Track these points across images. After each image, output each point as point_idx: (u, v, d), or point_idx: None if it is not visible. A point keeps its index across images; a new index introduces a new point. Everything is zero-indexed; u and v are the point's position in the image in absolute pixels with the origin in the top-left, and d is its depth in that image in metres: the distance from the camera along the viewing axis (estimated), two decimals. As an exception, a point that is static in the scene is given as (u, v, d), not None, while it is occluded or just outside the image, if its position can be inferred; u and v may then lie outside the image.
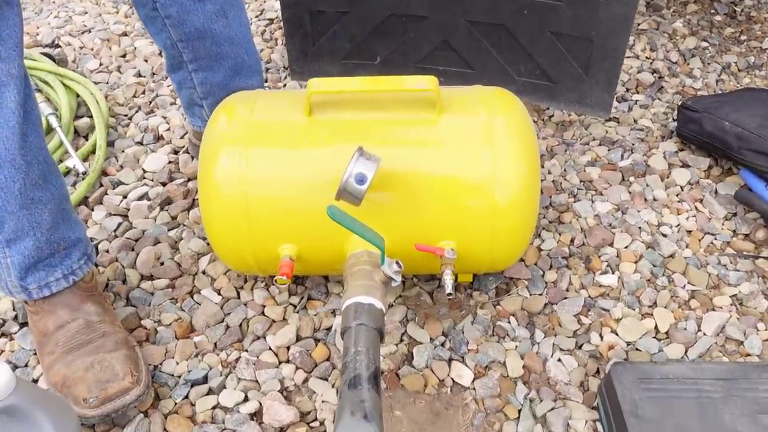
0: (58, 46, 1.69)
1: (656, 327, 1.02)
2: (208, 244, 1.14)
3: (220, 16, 1.10)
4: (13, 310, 1.04)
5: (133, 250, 1.15)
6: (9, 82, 0.83)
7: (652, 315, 1.03)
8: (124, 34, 1.75)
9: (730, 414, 0.81)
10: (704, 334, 1.00)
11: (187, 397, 0.94)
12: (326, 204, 0.84)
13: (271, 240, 0.93)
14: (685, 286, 1.08)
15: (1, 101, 0.83)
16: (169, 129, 1.42)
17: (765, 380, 0.84)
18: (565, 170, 1.30)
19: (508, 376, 0.96)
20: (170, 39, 1.11)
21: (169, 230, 1.19)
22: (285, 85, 1.55)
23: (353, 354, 0.76)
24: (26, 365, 0.98)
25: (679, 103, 1.35)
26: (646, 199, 1.24)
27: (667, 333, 1.01)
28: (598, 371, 0.96)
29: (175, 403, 0.93)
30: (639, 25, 1.75)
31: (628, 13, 1.21)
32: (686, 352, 0.98)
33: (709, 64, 1.62)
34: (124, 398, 0.87)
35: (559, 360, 0.97)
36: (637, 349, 0.98)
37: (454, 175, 0.90)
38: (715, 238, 1.16)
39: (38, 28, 1.78)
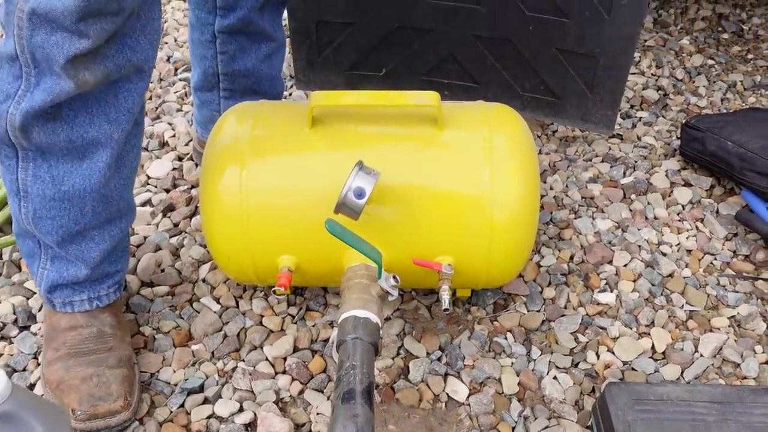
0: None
1: (653, 347, 1.01)
2: (209, 252, 1.15)
3: (267, 58, 1.12)
4: (14, 313, 1.05)
5: (134, 256, 1.16)
6: (107, 145, 0.83)
7: (649, 335, 1.03)
8: (133, 39, 1.76)
9: (724, 438, 0.81)
10: (701, 356, 1.00)
11: (182, 405, 0.94)
12: (325, 217, 0.84)
13: (270, 251, 0.94)
14: (683, 306, 1.08)
15: (91, 159, 0.83)
16: (174, 135, 1.43)
17: (760, 404, 0.84)
18: (567, 186, 1.30)
19: (503, 393, 0.96)
20: (214, 68, 1.11)
21: (170, 237, 1.19)
22: (291, 94, 1.55)
23: (348, 368, 0.77)
24: (24, 369, 0.98)
25: (683, 122, 1.35)
26: (646, 218, 1.24)
27: (663, 353, 1.01)
28: (593, 390, 0.96)
29: (171, 412, 0.93)
30: (645, 41, 1.76)
31: (633, 31, 1.22)
32: (682, 373, 0.98)
33: (714, 82, 1.62)
34: (110, 420, 0.87)
35: (555, 378, 0.97)
36: (633, 369, 0.98)
37: (452, 191, 0.90)
38: (715, 258, 1.16)
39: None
